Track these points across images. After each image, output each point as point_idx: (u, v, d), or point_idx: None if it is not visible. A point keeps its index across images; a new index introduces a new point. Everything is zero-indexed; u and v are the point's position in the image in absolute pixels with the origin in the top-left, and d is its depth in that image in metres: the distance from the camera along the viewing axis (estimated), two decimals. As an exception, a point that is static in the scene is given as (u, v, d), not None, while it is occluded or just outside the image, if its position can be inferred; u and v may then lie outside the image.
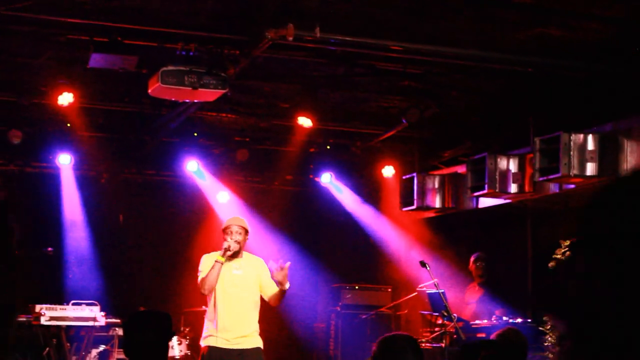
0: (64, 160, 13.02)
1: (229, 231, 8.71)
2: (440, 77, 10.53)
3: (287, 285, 8.62)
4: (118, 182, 14.02)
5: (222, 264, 8.57)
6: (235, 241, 8.63)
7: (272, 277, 8.64)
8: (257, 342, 8.83)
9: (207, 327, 8.78)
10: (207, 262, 8.72)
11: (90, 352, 11.61)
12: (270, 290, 8.78)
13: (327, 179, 14.33)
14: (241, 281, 8.74)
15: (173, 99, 9.55)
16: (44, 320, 10.68)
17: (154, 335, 4.76)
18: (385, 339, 5.01)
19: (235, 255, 8.69)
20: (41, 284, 12.46)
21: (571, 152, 9.59)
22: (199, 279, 8.68)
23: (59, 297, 11.53)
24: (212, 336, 8.67)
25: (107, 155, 13.54)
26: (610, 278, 0.91)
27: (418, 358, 4.93)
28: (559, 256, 9.78)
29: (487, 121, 11.80)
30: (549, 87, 10.19)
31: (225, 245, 8.58)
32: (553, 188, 10.64)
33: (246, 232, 8.78)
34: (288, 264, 8.59)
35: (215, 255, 8.71)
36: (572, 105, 10.32)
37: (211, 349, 8.65)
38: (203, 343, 8.81)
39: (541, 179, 10.01)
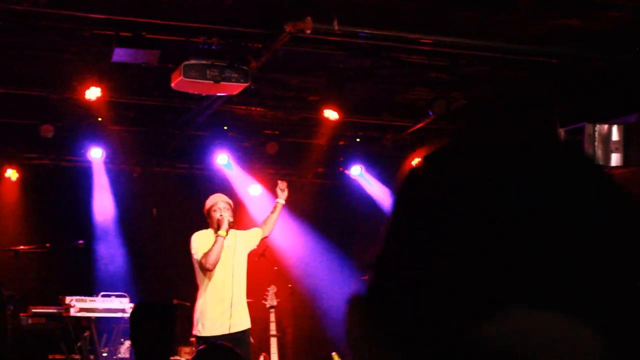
0: (96, 154, 13.15)
1: (217, 208, 8.84)
2: (467, 68, 10.51)
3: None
4: (150, 176, 14.14)
5: (224, 238, 8.69)
6: (230, 215, 8.86)
7: (277, 195, 9.45)
8: (247, 323, 8.94)
9: (203, 309, 8.84)
10: (203, 239, 8.83)
11: (122, 344, 11.73)
12: (257, 230, 9.32)
13: (357, 172, 14.34)
14: (235, 258, 8.85)
15: (196, 93, 9.62)
16: (73, 312, 10.82)
17: (158, 325, 4.84)
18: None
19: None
20: (72, 276, 12.62)
21: (596, 143, 9.53)
22: (199, 254, 8.74)
23: (90, 289, 11.67)
24: (209, 321, 8.74)
25: (139, 149, 13.66)
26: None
27: None
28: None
29: (514, 112, 11.76)
30: (574, 78, 10.14)
31: (226, 220, 8.73)
32: (579, 179, 10.54)
33: (231, 207, 8.99)
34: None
35: (208, 232, 8.82)
36: (596, 96, 10.26)
37: (205, 341, 8.71)
38: (200, 331, 8.86)
39: (566, 169, 9.93)
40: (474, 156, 0.97)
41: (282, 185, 9.42)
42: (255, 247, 9.36)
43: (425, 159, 1.01)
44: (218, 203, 8.94)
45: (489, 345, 0.87)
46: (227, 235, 8.75)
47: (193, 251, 8.89)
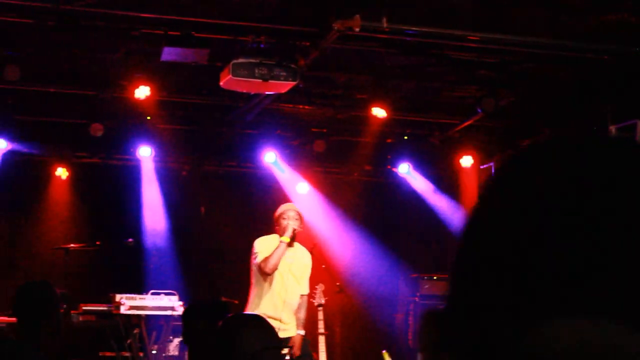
0: (145, 153, 13.24)
1: (285, 216, 8.81)
2: (516, 65, 10.43)
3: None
4: (198, 174, 14.20)
5: (287, 244, 8.68)
6: (298, 225, 8.80)
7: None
8: (294, 331, 8.92)
9: (253, 312, 8.85)
10: (265, 244, 8.82)
11: (172, 342, 11.78)
12: (305, 290, 8.96)
13: (404, 170, 14.30)
14: (292, 270, 8.82)
15: (244, 91, 9.64)
16: (123, 310, 10.86)
17: (210, 324, 4.84)
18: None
19: (290, 242, 8.80)
20: (122, 274, 12.70)
21: (647, 140, 9.41)
22: (259, 258, 8.75)
23: (139, 287, 11.73)
24: None
25: (187, 148, 13.72)
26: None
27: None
28: None
29: (563, 110, 11.65)
30: (625, 75, 10.02)
31: (291, 227, 8.69)
32: (631, 177, 10.42)
33: (301, 218, 8.91)
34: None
35: (272, 237, 8.81)
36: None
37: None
38: None
39: (618, 167, 9.82)
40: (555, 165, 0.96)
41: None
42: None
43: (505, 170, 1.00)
44: (288, 212, 8.93)
45: (541, 354, 0.87)
46: (289, 241, 8.74)
47: (254, 254, 8.89)
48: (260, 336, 3.45)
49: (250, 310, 8.99)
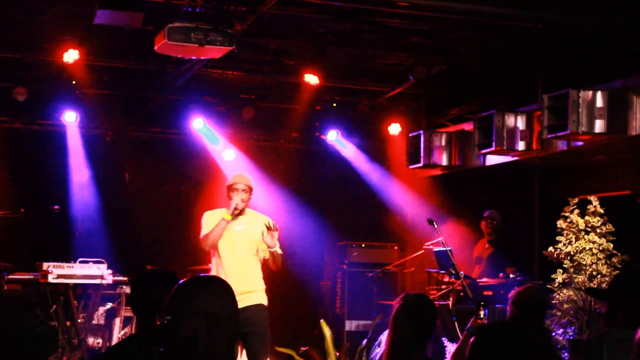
0: (70, 118, 12.96)
1: (234, 188, 8.60)
2: (448, 33, 10.43)
3: (276, 248, 8.51)
4: (123, 140, 13.98)
5: (227, 222, 8.50)
6: (242, 200, 8.57)
7: (263, 239, 8.53)
8: (260, 299, 8.67)
9: None
10: (210, 219, 8.62)
11: (97, 310, 11.62)
12: (266, 252, 8.73)
13: (333, 137, 14.27)
14: (243, 237, 8.63)
15: (179, 56, 9.45)
16: (51, 278, 10.66)
17: (161, 293, 4.72)
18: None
19: (240, 213, 8.64)
20: (48, 241, 12.47)
21: (580, 109, 9.51)
22: (202, 233, 8.60)
23: (66, 255, 11.50)
24: None
25: (113, 113, 13.48)
26: None
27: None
28: (567, 214, 9.75)
29: (495, 78, 11.71)
30: (558, 44, 10.10)
31: (234, 204, 8.49)
32: (561, 145, 10.57)
33: (251, 190, 8.68)
34: (276, 226, 8.51)
35: (220, 212, 8.63)
36: (581, 62, 10.23)
37: None
38: None
39: (549, 136, 9.94)
40: None
41: (267, 238, 8.53)
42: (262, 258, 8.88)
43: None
44: (236, 184, 8.60)
45: None
46: (231, 219, 8.50)
47: (201, 229, 8.67)
48: (220, 299, 3.34)
49: None
